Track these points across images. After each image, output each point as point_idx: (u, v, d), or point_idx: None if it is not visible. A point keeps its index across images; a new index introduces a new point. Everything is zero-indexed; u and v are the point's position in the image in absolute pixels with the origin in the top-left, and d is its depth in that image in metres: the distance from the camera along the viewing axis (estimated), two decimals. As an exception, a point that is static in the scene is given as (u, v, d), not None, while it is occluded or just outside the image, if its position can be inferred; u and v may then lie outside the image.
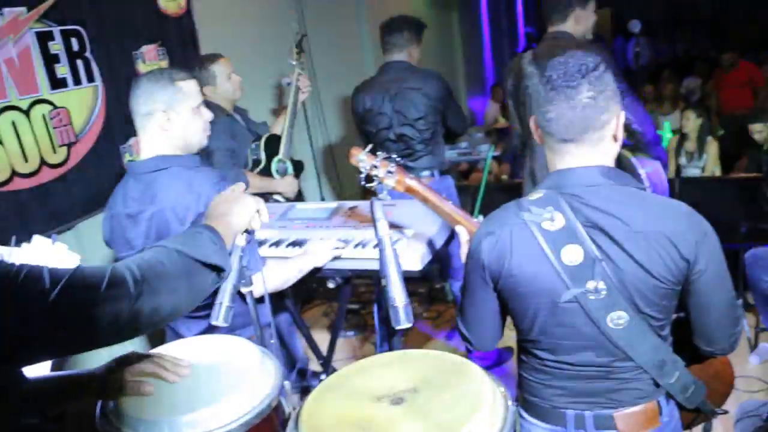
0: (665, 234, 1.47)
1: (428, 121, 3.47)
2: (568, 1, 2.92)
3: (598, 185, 1.52)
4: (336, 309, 4.49)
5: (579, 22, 2.95)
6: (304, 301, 4.75)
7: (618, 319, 1.50)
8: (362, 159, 2.04)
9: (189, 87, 2.12)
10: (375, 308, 3.43)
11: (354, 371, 1.51)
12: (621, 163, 3.05)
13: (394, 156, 2.06)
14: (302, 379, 2.98)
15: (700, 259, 1.49)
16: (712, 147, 5.19)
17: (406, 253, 2.36)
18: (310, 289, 4.70)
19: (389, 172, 2.02)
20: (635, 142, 3.01)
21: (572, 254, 1.49)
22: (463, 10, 8.69)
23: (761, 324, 3.71)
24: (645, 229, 1.47)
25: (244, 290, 1.69)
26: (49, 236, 1.96)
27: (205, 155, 3.14)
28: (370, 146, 2.07)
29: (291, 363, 2.89)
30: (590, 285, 1.48)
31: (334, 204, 2.87)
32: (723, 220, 2.99)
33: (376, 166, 2.03)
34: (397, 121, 3.47)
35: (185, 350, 1.62)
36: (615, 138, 1.57)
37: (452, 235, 2.60)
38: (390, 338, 1.80)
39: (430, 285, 4.64)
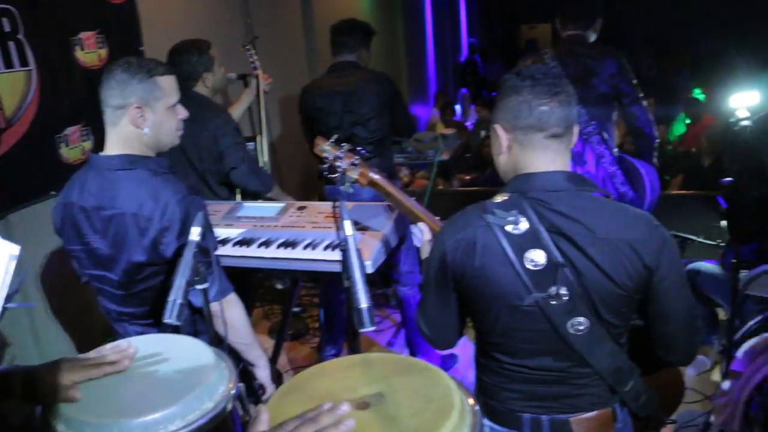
0: (628, 241, 1.48)
1: (379, 122, 3.45)
2: (593, 12, 3.28)
3: (562, 190, 1.52)
4: (277, 312, 4.42)
5: (596, 30, 3.30)
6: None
7: (578, 325, 1.50)
8: (326, 149, 1.99)
9: (167, 83, 1.97)
10: (321, 312, 3.38)
11: (315, 374, 1.45)
12: (623, 162, 3.19)
13: (360, 149, 2.01)
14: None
15: (662, 268, 1.51)
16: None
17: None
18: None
19: (353, 164, 1.98)
20: (642, 145, 3.29)
21: (535, 259, 1.48)
22: (408, 17, 8.72)
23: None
24: (608, 236, 1.47)
25: (198, 287, 1.61)
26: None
27: (217, 156, 3.02)
28: (335, 136, 2.02)
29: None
30: (552, 290, 1.48)
31: (282, 203, 2.79)
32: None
33: (340, 157, 1.98)
34: (348, 120, 3.43)
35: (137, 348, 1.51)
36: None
37: (401, 240, 2.57)
38: (351, 341, 1.74)
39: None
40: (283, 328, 3.03)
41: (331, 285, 3.45)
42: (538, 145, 1.53)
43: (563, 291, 1.48)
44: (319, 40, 5.76)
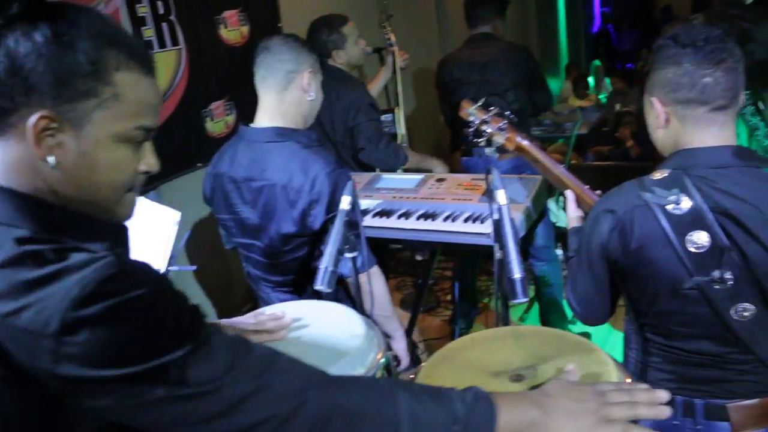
0: None
1: (516, 93, 3.37)
2: None
3: (728, 167, 1.39)
4: (408, 283, 4.46)
5: None
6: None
7: (743, 311, 1.40)
8: (472, 113, 1.94)
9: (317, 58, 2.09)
10: (455, 285, 3.37)
11: (465, 345, 1.44)
12: None
13: (508, 113, 1.95)
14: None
15: None
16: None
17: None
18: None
19: (500, 128, 1.92)
20: None
21: (698, 241, 1.38)
22: (539, -13, 8.48)
23: None
24: None
25: (348, 255, 1.63)
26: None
27: (350, 130, 3.08)
28: (482, 100, 1.98)
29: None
30: (716, 274, 1.37)
31: (421, 175, 2.79)
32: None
33: (486, 121, 1.93)
34: (485, 91, 3.37)
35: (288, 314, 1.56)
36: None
37: (540, 215, 2.50)
38: (504, 312, 1.72)
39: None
40: (420, 299, 3.05)
41: (465, 258, 3.43)
42: (701, 119, 1.42)
43: (728, 275, 1.37)
44: (451, 15, 5.70)
